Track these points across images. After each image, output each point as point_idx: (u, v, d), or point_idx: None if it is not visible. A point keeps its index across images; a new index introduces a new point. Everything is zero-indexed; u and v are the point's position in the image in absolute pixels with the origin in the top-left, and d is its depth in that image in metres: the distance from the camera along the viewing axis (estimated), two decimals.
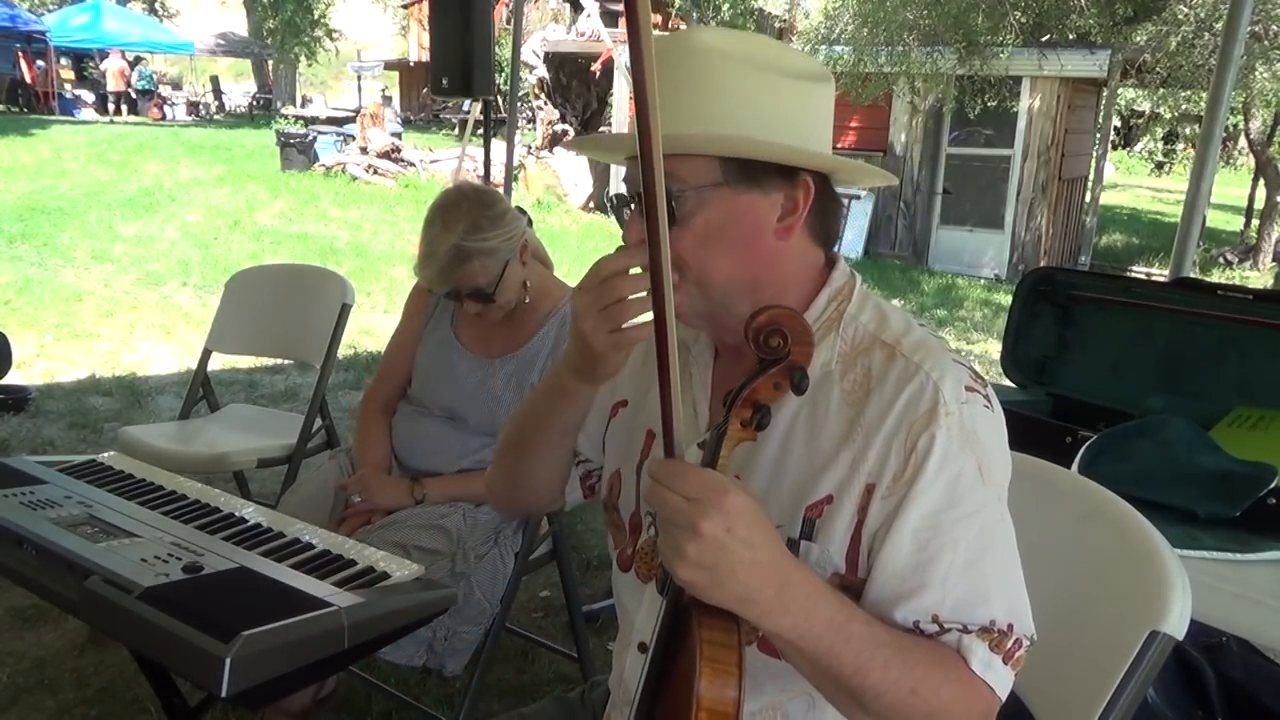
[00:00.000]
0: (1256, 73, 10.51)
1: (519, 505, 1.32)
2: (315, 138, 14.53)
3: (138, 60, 24.53)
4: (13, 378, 4.52)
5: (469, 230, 1.93)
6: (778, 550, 0.85)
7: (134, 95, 23.45)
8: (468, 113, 16.01)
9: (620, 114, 13.43)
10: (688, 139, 0.96)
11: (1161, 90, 12.51)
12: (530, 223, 2.11)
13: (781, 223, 1.02)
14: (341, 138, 15.10)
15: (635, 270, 0.95)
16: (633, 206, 1.00)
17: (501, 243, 1.96)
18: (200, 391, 3.01)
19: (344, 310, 2.77)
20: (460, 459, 2.10)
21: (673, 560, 0.83)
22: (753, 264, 1.02)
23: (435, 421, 2.14)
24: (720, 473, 0.87)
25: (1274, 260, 12.97)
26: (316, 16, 26.36)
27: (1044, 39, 11.23)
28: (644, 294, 0.93)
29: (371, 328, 6.29)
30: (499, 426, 2.05)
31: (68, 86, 24.82)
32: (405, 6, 31.27)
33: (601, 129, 15.08)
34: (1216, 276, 12.02)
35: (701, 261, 1.00)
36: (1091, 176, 12.87)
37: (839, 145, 9.81)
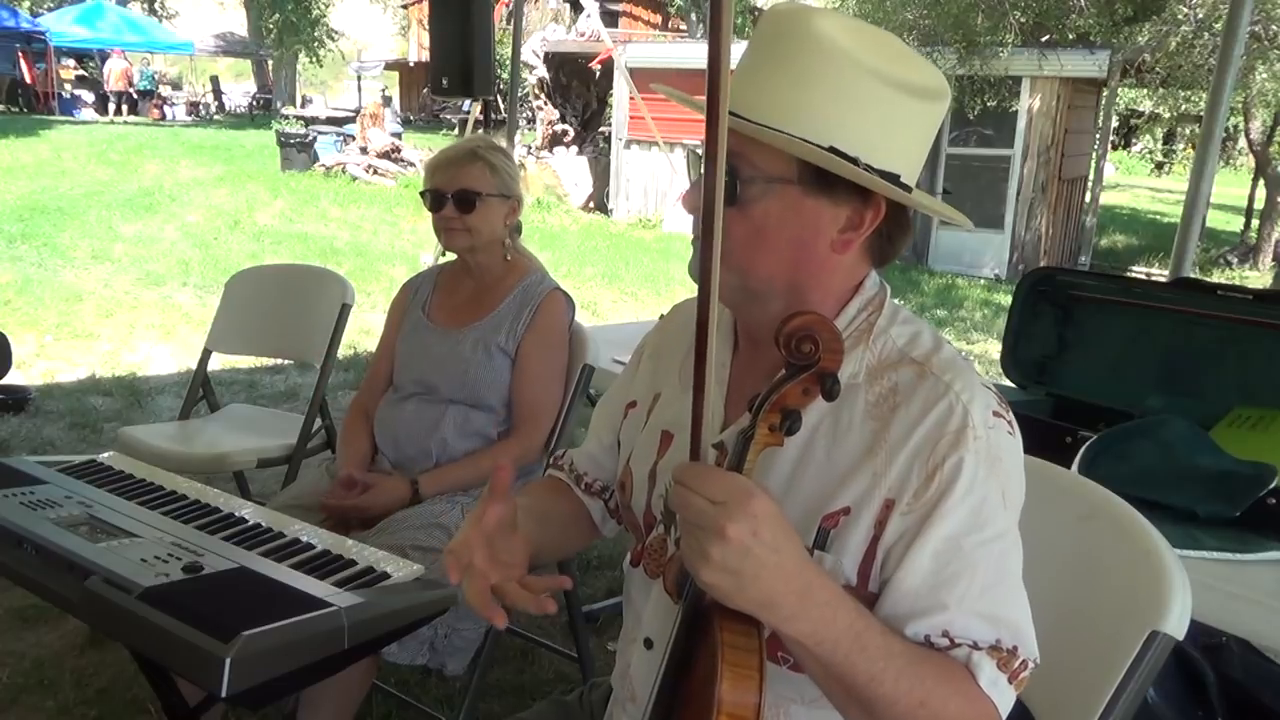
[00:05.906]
0: (1256, 73, 10.52)
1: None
2: (315, 138, 14.56)
3: (124, 54, 24.50)
4: (13, 378, 4.51)
5: (487, 145, 2.20)
6: (800, 555, 0.84)
7: (134, 95, 23.46)
8: (468, 113, 16.02)
9: (620, 114, 13.42)
10: (773, 135, 0.93)
11: (1161, 90, 12.51)
12: (520, 229, 2.29)
13: (841, 235, 0.99)
14: (341, 138, 15.13)
15: None
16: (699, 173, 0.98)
17: (505, 169, 2.19)
18: (200, 392, 3.01)
19: (344, 310, 2.77)
20: (434, 428, 2.13)
21: (697, 563, 0.81)
22: (798, 268, 1.00)
23: (409, 401, 2.20)
24: (745, 477, 0.86)
25: (1274, 260, 12.96)
26: (315, 16, 26.33)
27: (1044, 39, 11.23)
28: None
29: (371, 328, 6.28)
30: (467, 389, 2.13)
31: (68, 87, 24.82)
32: (405, 6, 31.32)
33: (601, 129, 15.10)
34: (1217, 276, 12.01)
35: (749, 251, 0.98)
36: (1091, 176, 12.86)
37: None
